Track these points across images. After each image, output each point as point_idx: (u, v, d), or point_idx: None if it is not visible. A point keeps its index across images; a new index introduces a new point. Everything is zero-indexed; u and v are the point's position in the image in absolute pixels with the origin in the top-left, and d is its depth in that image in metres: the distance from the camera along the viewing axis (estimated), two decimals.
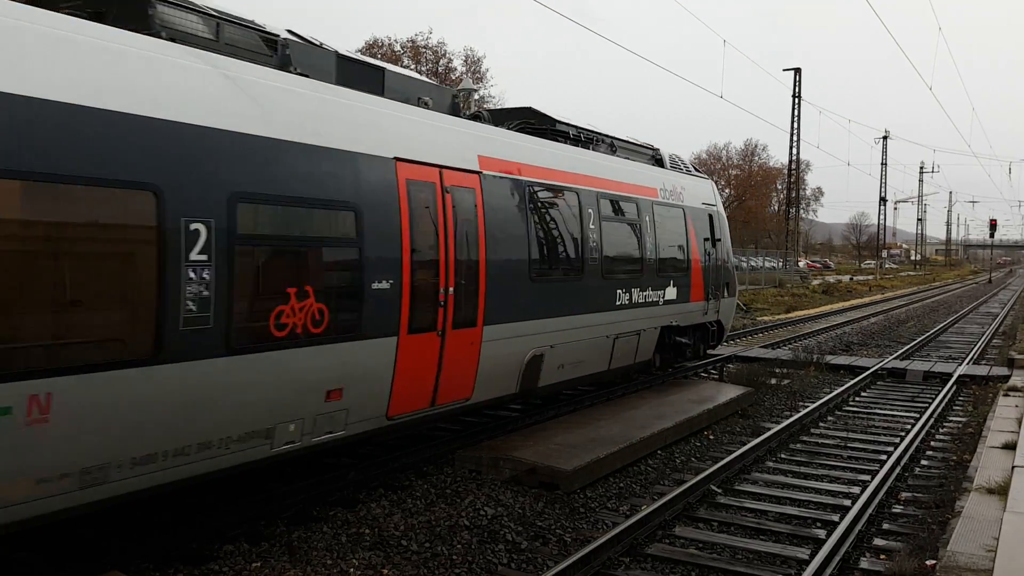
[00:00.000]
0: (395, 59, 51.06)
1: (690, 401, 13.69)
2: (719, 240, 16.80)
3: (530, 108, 13.03)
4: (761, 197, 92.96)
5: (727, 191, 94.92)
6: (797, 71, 61.82)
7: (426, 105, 9.81)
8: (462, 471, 9.65)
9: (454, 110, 10.68)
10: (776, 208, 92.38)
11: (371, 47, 51.61)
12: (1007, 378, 17.81)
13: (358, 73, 9.13)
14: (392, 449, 10.33)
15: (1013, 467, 9.56)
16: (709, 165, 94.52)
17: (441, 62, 52.08)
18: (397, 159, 8.62)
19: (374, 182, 8.28)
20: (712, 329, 16.79)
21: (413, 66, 51.27)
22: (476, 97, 37.42)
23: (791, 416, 13.71)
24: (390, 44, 51.68)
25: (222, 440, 6.85)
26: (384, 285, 8.28)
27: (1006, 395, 15.36)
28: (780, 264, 62.08)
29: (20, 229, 5.62)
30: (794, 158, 63.88)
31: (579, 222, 11.93)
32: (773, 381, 17.26)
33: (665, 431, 11.62)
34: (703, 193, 16.69)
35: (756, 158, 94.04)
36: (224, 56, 7.21)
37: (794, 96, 61.26)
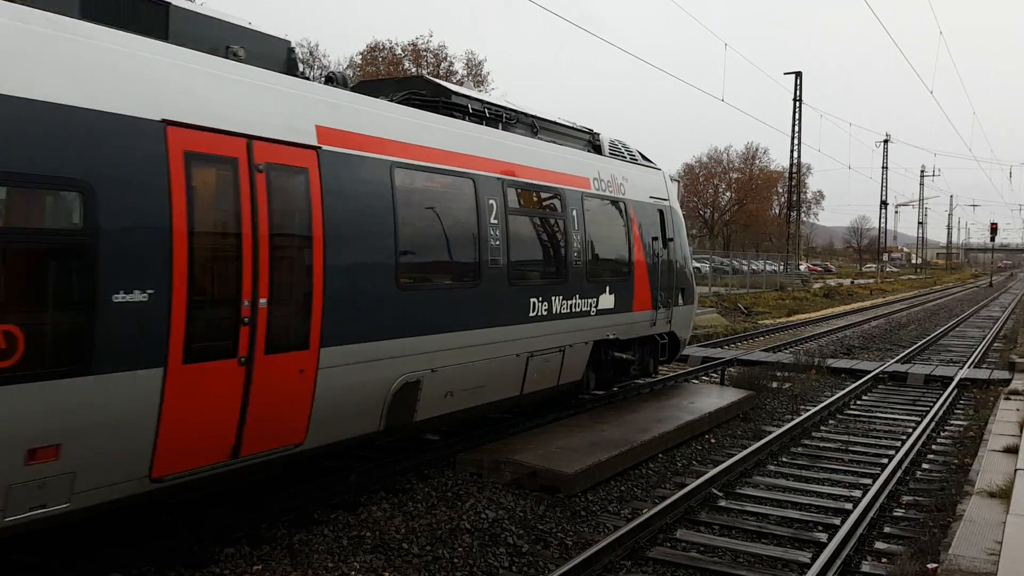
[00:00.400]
0: (396, 62, 51.14)
1: (691, 404, 13.66)
2: (671, 240, 14.49)
3: (422, 77, 11.45)
4: (762, 200, 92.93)
5: (728, 194, 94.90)
6: (798, 75, 61.85)
7: (235, 56, 7.54)
8: (463, 474, 9.63)
9: (290, 68, 8.33)
10: (777, 211, 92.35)
11: (372, 50, 51.65)
12: (1008, 382, 17.82)
13: (124, 7, 6.85)
14: (393, 452, 10.32)
15: (1016, 470, 9.55)
16: (710, 168, 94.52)
17: (442, 65, 52.06)
18: (168, 122, 6.44)
19: (123, 152, 6.12)
20: (663, 342, 14.39)
21: (414, 69, 51.36)
22: None
23: (792, 419, 13.69)
24: (391, 47, 51.69)
25: None
26: (136, 296, 6.06)
27: (1007, 399, 15.35)
28: (781, 267, 62.05)
29: None
30: (795, 161, 63.90)
31: (476, 216, 9.81)
32: (774, 384, 17.22)
33: (666, 434, 11.60)
34: (652, 185, 14.28)
35: (757, 161, 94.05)
36: None
37: (795, 100, 61.28)
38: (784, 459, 11.68)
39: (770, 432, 12.74)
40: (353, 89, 9.31)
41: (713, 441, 12.56)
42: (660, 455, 11.26)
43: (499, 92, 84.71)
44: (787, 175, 71.30)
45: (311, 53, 50.66)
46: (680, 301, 14.91)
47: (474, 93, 11.26)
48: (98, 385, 5.88)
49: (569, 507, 8.97)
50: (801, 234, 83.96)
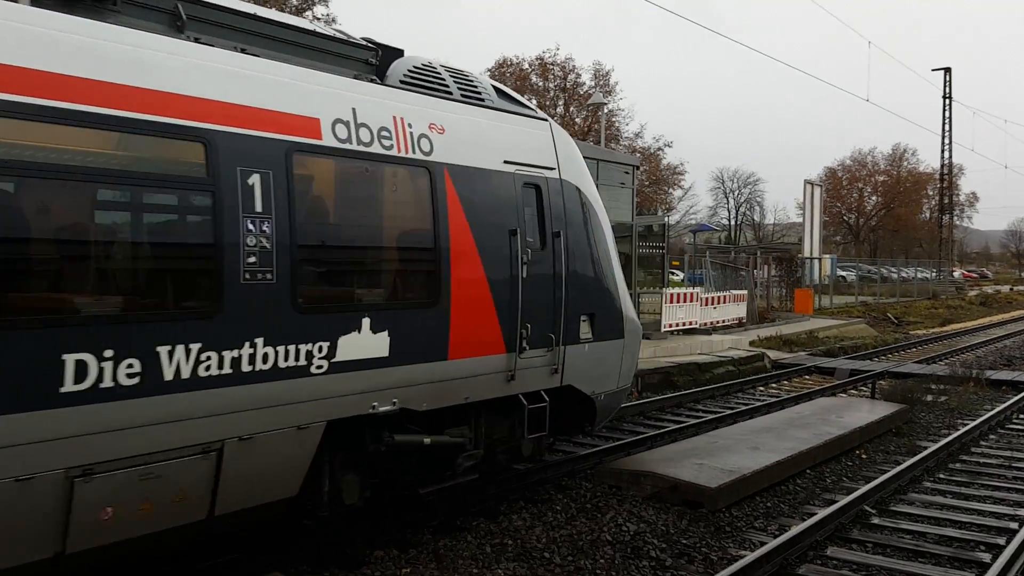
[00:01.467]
0: (524, 77, 51.77)
1: (840, 419, 13.14)
2: (558, 235, 8.74)
3: None
4: (911, 204, 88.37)
5: (874, 198, 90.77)
6: (947, 71, 58.73)
7: None
8: (602, 486, 9.62)
9: None
10: (928, 215, 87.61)
11: (500, 66, 52.49)
12: None
13: None
14: (529, 462, 10.43)
15: None
16: (853, 171, 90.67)
17: (569, 77, 52.35)
18: None
19: None
20: (539, 405, 8.57)
21: (542, 83, 51.80)
22: (605, 110, 37.34)
23: (949, 434, 12.93)
24: (518, 63, 52.37)
25: None
26: None
27: None
28: (933, 275, 58.80)
29: None
30: (946, 162, 60.58)
31: None
32: (929, 398, 16.32)
33: (814, 450, 11.20)
34: (515, 144, 8.51)
35: (905, 163, 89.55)
36: None
37: (945, 97, 58.20)
38: (941, 475, 11.05)
39: (926, 447, 12.07)
40: None
41: (864, 457, 12.02)
42: (808, 471, 10.88)
43: (627, 102, 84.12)
44: (938, 177, 67.63)
45: None
46: (587, 334, 9.17)
47: None
48: None
49: (713, 522, 8.80)
50: (954, 239, 79.34)
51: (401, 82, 7.80)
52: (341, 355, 6.70)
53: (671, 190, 62.58)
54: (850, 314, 35.54)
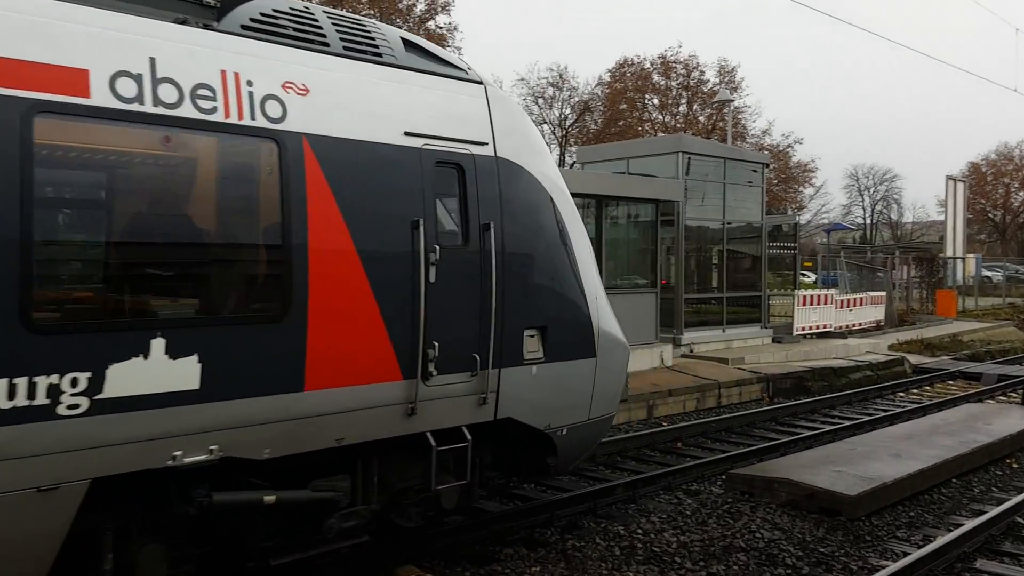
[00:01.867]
0: (646, 76, 51.21)
1: (988, 426, 12.38)
2: (487, 227, 6.88)
3: None
4: None
5: (1021, 194, 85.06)
6: None
7: None
8: (732, 492, 9.41)
9: None
10: None
11: (621, 66, 52.08)
12: None
13: None
14: (658, 465, 10.32)
15: None
16: (999, 166, 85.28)
17: (692, 75, 51.42)
18: None
19: None
20: (458, 446, 6.64)
21: (664, 82, 51.10)
22: (731, 108, 36.41)
23: None
24: (639, 62, 51.83)
25: None
26: None
27: None
28: None
29: None
30: None
31: None
32: None
33: (960, 458, 10.60)
34: (428, 110, 6.72)
35: None
36: None
37: None
38: None
39: None
40: None
41: (1015, 466, 11.30)
42: (953, 480, 10.31)
43: (753, 99, 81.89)
44: None
45: (560, 76, 52.07)
46: (536, 353, 7.20)
47: None
48: None
49: (852, 531, 8.46)
50: None
51: (245, 28, 5.91)
52: (112, 390, 4.93)
53: (802, 188, 60.48)
54: (997, 316, 33.46)
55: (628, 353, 8.36)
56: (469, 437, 6.71)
